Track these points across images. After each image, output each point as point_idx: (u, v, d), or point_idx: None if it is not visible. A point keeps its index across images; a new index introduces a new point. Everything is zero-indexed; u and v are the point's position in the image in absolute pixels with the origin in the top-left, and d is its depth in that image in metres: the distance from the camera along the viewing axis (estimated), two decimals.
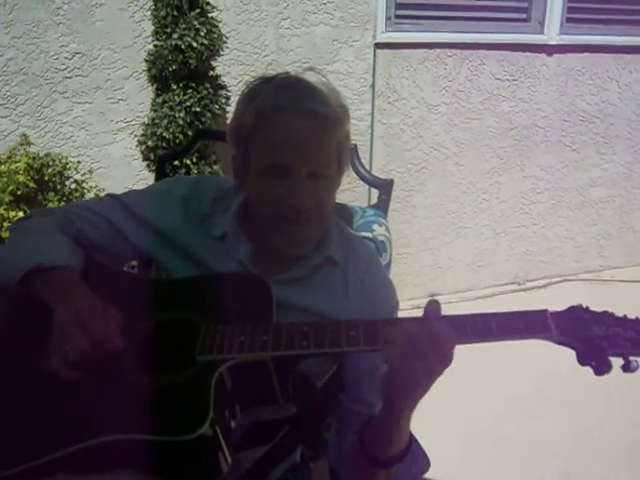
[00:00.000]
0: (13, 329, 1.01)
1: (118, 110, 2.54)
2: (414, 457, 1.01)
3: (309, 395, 1.04)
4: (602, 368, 0.80)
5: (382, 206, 1.57)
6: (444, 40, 2.91)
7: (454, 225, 3.25)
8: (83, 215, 1.13)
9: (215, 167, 2.32)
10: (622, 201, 3.58)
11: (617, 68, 3.27)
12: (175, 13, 2.15)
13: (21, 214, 2.07)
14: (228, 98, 2.39)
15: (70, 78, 2.44)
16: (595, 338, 0.81)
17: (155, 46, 2.24)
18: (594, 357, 0.81)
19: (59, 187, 2.30)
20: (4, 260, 1.05)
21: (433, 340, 0.79)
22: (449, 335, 0.80)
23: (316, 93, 1.00)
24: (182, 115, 2.20)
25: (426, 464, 1.08)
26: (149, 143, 2.27)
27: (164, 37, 2.19)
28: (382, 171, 2.95)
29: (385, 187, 1.60)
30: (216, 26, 2.27)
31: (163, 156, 1.98)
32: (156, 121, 2.25)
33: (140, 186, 2.52)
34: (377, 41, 2.80)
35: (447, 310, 0.85)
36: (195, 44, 2.15)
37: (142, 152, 2.35)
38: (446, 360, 0.80)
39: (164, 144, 2.24)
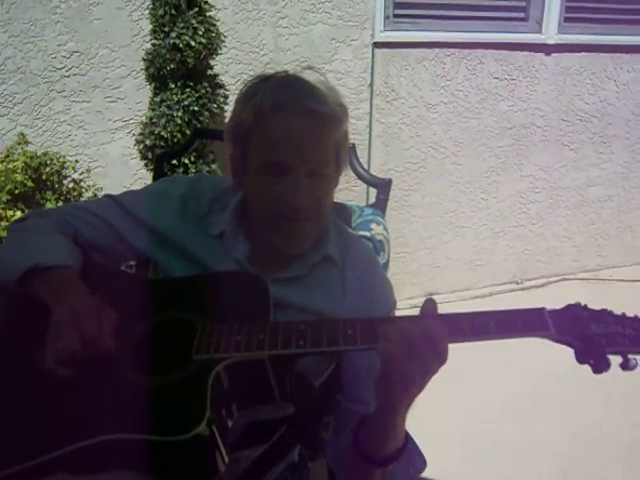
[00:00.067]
0: (12, 329, 1.01)
1: (116, 109, 2.54)
2: (410, 456, 1.01)
3: (307, 394, 1.03)
4: (600, 366, 0.80)
5: (380, 205, 1.57)
6: (442, 39, 2.91)
7: (452, 224, 3.25)
8: (80, 216, 1.13)
9: (213, 166, 2.32)
10: (620, 200, 3.59)
11: (615, 68, 3.27)
12: (173, 12, 2.15)
13: (19, 213, 2.06)
14: (226, 97, 2.39)
15: (68, 77, 2.44)
16: (593, 336, 0.81)
17: (153, 45, 2.24)
18: (592, 355, 0.80)
19: (57, 186, 2.29)
20: (2, 260, 1.06)
21: (428, 340, 0.79)
22: (444, 334, 0.80)
23: (315, 92, 1.00)
24: (180, 114, 2.20)
25: (422, 463, 1.08)
26: (147, 142, 2.27)
27: (162, 36, 2.18)
28: (380, 170, 2.95)
29: (383, 186, 1.60)
30: (214, 25, 2.27)
31: (161, 155, 1.98)
32: (154, 120, 2.25)
33: (138, 185, 2.52)
34: (375, 40, 2.79)
35: (445, 309, 0.85)
36: (193, 43, 2.15)
37: (140, 151, 2.34)
38: (441, 358, 0.80)
39: (162, 143, 2.23)
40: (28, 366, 0.91)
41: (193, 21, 2.15)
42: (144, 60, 2.29)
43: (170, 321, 0.98)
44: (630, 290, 3.42)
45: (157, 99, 2.27)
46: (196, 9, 2.18)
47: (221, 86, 2.38)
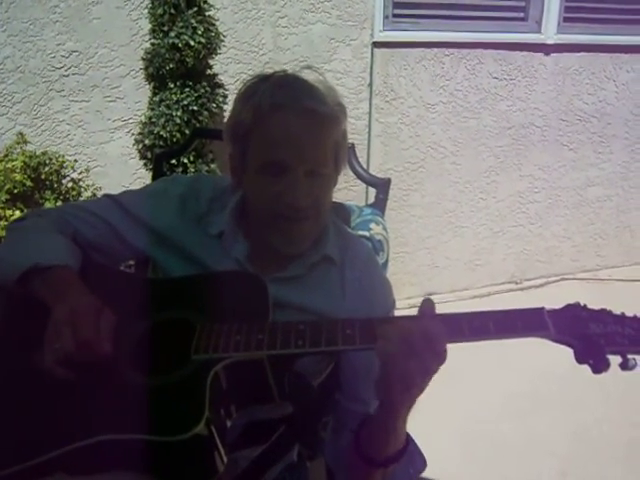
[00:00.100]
0: (11, 328, 1.01)
1: (115, 108, 2.53)
2: (411, 457, 1.01)
3: (305, 394, 1.03)
4: (600, 366, 0.79)
5: (379, 205, 1.57)
6: (442, 39, 2.91)
7: (451, 224, 3.25)
8: (80, 215, 1.13)
9: (212, 166, 2.32)
10: (619, 200, 3.59)
11: (614, 67, 3.27)
12: (172, 11, 2.15)
13: (18, 213, 2.06)
14: (225, 97, 2.38)
15: (67, 76, 2.44)
16: (593, 336, 0.81)
17: (152, 44, 2.24)
18: (592, 355, 0.80)
19: (56, 186, 2.29)
20: (1, 259, 1.06)
21: (427, 339, 0.79)
22: (443, 334, 0.80)
23: (313, 91, 1.00)
24: (179, 114, 2.20)
25: (422, 464, 1.08)
26: (146, 142, 2.27)
27: (161, 35, 2.18)
28: (379, 170, 2.95)
29: (382, 186, 1.60)
30: (213, 24, 2.27)
31: (160, 155, 1.97)
32: (153, 119, 2.25)
33: (137, 185, 2.52)
34: (375, 40, 2.79)
35: (444, 309, 0.85)
36: (192, 42, 2.15)
37: (139, 151, 2.34)
38: (440, 358, 0.79)
39: (161, 143, 2.23)
40: (27, 366, 0.91)
41: (192, 20, 2.15)
42: (143, 59, 2.29)
43: (169, 321, 0.98)
44: (629, 290, 3.42)
45: (156, 99, 2.27)
46: (195, 8, 2.18)
47: (220, 86, 2.38)
